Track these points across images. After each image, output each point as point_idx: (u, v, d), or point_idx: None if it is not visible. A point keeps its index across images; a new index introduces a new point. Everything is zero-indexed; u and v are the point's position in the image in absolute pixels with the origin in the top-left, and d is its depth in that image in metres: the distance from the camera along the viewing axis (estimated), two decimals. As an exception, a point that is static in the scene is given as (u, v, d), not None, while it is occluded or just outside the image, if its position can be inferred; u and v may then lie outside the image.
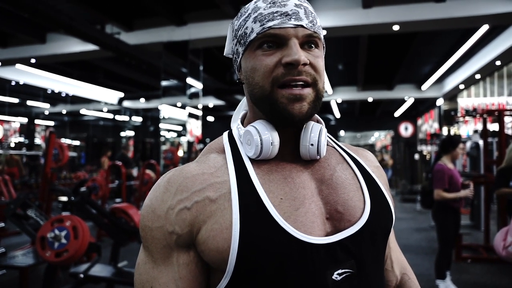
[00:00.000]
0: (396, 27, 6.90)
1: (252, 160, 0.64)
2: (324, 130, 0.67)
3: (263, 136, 0.62)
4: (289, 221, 0.58)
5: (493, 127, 7.68)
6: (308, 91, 0.61)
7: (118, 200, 7.37)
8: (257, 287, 0.57)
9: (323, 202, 0.63)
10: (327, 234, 0.61)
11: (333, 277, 0.58)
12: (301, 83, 0.60)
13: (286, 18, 0.60)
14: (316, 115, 0.73)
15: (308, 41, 0.62)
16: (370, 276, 0.62)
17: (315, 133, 0.64)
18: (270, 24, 0.60)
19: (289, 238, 0.57)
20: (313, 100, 0.62)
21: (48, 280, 2.81)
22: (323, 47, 0.67)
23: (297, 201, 0.61)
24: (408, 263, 0.83)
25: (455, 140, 3.55)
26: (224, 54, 0.74)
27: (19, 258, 3.02)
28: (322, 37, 0.65)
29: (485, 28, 7.38)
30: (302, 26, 0.61)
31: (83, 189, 3.81)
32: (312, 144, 0.64)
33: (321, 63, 0.63)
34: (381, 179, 0.73)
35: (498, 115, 4.92)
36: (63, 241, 2.62)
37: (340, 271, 0.59)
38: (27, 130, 17.52)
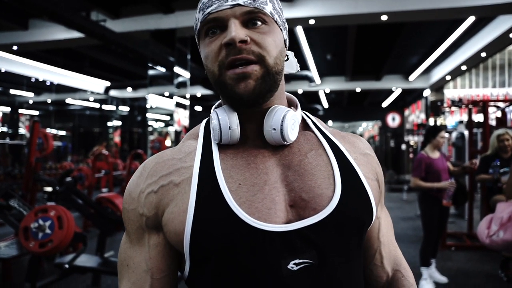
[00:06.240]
0: (384, 17, 6.91)
1: (220, 146, 0.65)
2: (291, 114, 0.63)
3: (221, 121, 0.62)
4: (243, 207, 0.57)
5: (478, 117, 7.80)
6: (252, 68, 0.59)
7: (104, 190, 7.30)
8: (213, 271, 0.58)
9: (287, 189, 0.61)
10: (289, 222, 0.58)
11: (288, 267, 0.56)
12: (244, 61, 0.59)
13: (223, 1, 0.59)
14: (293, 97, 0.72)
15: (251, 18, 0.60)
16: (335, 268, 0.59)
17: (278, 117, 0.62)
18: (209, 10, 0.60)
19: (240, 224, 0.56)
20: (261, 76, 0.60)
21: (32, 271, 2.76)
22: (276, 21, 0.63)
23: (256, 186, 0.60)
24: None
25: (435, 129, 3.59)
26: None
27: (2, 249, 2.95)
28: (269, 11, 0.62)
29: (471, 19, 7.44)
30: (239, 4, 0.59)
31: (68, 179, 3.76)
32: (274, 129, 0.62)
33: (268, 39, 0.61)
34: (367, 167, 0.68)
35: (482, 106, 4.98)
36: (48, 231, 2.58)
37: (297, 261, 0.56)
38: (11, 120, 17.15)
